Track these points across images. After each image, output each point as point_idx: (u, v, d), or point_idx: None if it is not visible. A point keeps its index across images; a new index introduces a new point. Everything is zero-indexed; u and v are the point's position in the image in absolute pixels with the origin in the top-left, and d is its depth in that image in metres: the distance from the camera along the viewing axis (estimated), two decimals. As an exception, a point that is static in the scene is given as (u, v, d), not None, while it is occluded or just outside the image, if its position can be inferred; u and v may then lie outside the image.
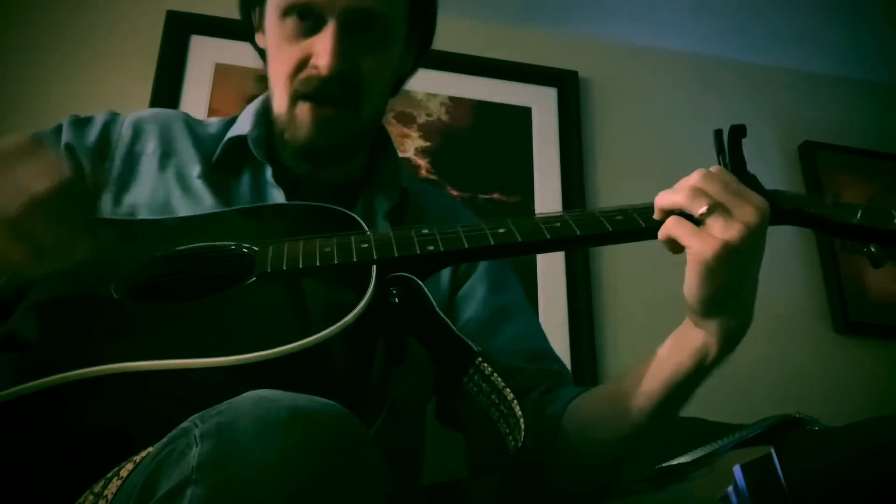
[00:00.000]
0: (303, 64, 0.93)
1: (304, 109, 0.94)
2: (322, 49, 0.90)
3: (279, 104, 0.97)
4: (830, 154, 2.32)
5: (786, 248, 2.21)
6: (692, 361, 0.75)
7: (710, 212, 0.70)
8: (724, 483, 1.18)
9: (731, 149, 0.80)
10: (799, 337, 2.10)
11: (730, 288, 0.71)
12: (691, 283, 0.71)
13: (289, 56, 0.93)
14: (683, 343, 0.76)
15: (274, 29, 0.96)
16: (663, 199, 0.74)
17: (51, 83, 1.90)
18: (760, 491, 1.16)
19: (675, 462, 1.30)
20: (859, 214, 0.77)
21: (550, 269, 2.00)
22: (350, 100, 0.94)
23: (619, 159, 2.20)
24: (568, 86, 2.22)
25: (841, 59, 2.41)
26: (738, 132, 0.80)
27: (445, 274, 1.03)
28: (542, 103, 2.21)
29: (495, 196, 2.05)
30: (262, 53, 1.06)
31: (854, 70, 2.46)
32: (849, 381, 2.03)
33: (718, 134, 0.81)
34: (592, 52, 2.31)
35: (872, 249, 0.78)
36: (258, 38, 1.05)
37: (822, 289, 2.18)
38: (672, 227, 0.72)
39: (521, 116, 2.19)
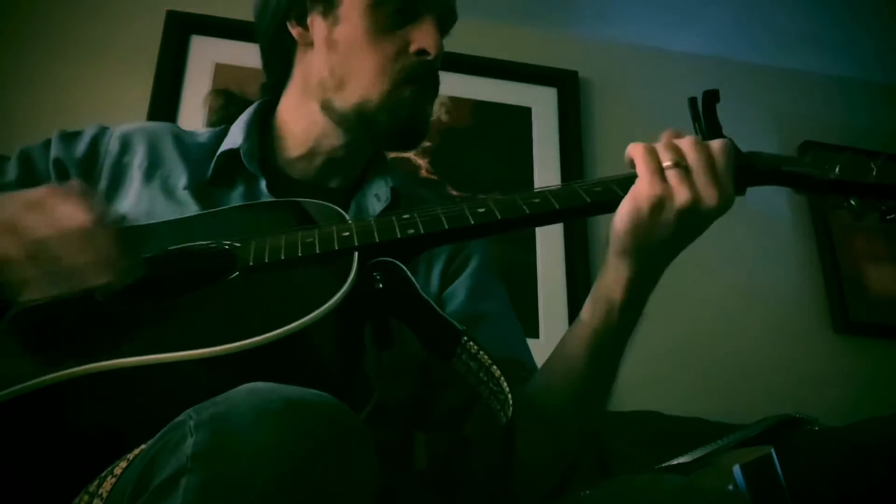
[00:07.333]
0: (401, 51, 0.98)
1: (408, 91, 0.98)
2: (428, 36, 0.97)
3: (374, 90, 0.98)
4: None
5: (786, 247, 2.21)
6: (602, 310, 0.79)
7: (674, 166, 0.73)
8: (724, 483, 1.19)
9: (705, 114, 0.81)
10: (799, 337, 2.10)
11: (649, 234, 0.74)
12: (621, 210, 0.75)
13: (388, 44, 0.98)
14: (595, 295, 0.81)
15: (359, 19, 0.99)
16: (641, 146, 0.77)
17: (50, 82, 1.89)
18: (760, 491, 1.17)
19: (675, 462, 1.31)
20: (837, 169, 0.77)
21: (550, 268, 2.00)
22: (437, 87, 1.02)
23: (619, 159, 2.18)
24: (568, 86, 2.22)
25: (841, 59, 2.42)
26: (712, 97, 0.82)
27: (436, 273, 1.03)
28: (542, 103, 2.21)
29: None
30: (292, 46, 1.04)
31: (854, 70, 2.46)
32: (849, 381, 2.03)
33: (693, 102, 0.82)
34: (592, 52, 2.31)
35: (853, 203, 0.79)
36: (316, 24, 1.02)
37: (822, 289, 2.18)
38: (640, 150, 0.75)
39: (521, 116, 2.19)
